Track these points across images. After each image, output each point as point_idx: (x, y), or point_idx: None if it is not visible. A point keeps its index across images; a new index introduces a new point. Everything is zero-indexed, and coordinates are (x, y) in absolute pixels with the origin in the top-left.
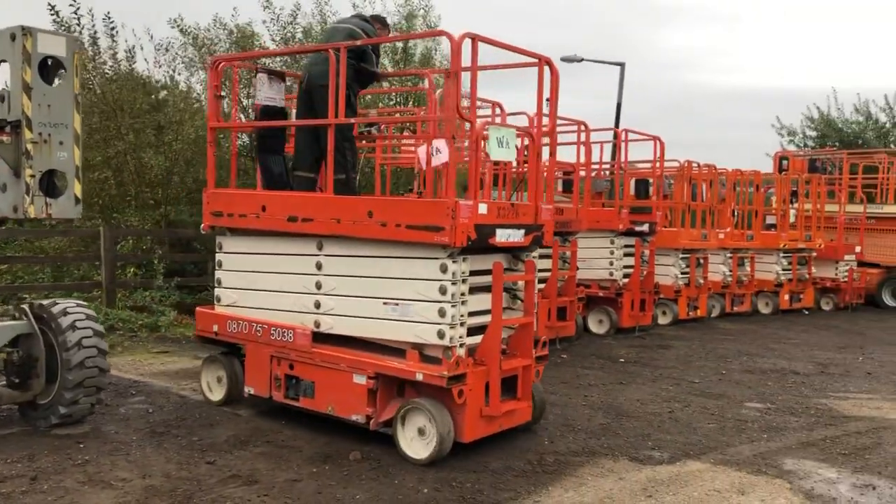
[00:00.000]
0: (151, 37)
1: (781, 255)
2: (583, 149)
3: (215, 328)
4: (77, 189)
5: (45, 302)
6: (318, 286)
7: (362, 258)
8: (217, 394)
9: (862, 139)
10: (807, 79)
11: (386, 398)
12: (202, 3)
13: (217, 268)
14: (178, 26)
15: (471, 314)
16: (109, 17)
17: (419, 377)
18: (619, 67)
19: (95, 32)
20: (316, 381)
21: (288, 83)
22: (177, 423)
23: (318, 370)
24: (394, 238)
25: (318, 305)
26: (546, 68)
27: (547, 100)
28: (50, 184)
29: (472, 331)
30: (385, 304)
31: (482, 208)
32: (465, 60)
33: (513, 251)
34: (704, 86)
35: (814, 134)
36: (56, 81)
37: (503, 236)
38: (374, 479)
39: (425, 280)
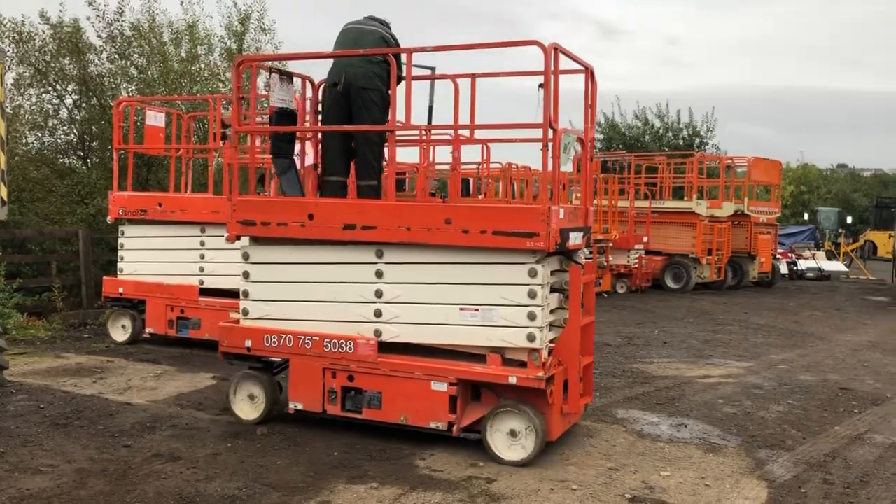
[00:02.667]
0: None
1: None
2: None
3: (248, 343)
4: (3, 192)
5: None
6: (379, 294)
7: (433, 265)
8: (252, 412)
9: (641, 142)
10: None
11: (464, 404)
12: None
13: (243, 279)
14: None
15: None
16: None
17: (512, 381)
18: (429, 70)
19: None
20: (384, 392)
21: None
22: (74, 415)
23: (386, 380)
24: (477, 245)
25: (378, 314)
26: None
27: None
28: None
29: None
30: (462, 310)
31: (561, 213)
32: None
33: (568, 253)
34: (494, 87)
35: (601, 137)
36: None
37: (574, 239)
38: (286, 447)
39: (512, 285)
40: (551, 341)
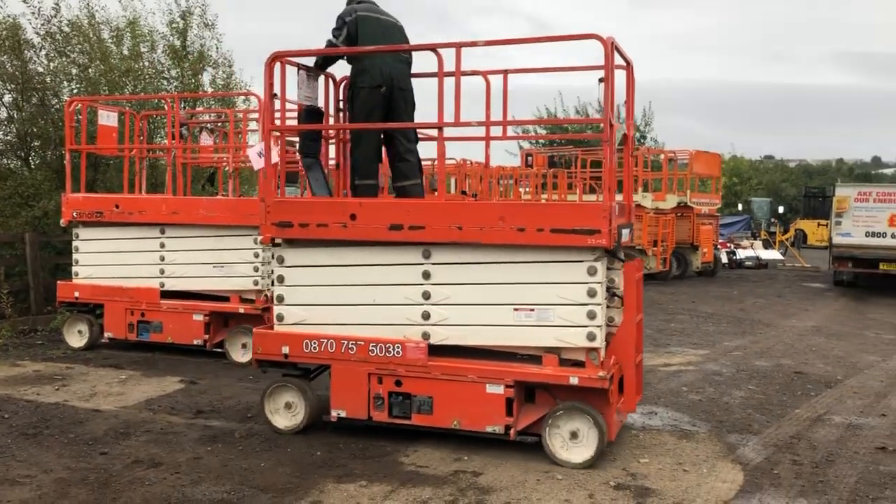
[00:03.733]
0: None
1: None
2: None
3: (285, 350)
4: None
5: None
6: (427, 296)
7: (484, 264)
8: (290, 420)
9: (583, 138)
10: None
11: (520, 406)
12: None
13: (277, 283)
14: None
15: None
16: None
17: (574, 381)
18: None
19: None
20: (435, 396)
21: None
22: (42, 424)
23: (437, 384)
24: (534, 243)
25: (426, 316)
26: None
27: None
28: None
29: None
30: (516, 310)
31: (616, 209)
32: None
33: (612, 251)
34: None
35: (544, 132)
36: None
37: (624, 236)
38: (268, 449)
39: (571, 284)
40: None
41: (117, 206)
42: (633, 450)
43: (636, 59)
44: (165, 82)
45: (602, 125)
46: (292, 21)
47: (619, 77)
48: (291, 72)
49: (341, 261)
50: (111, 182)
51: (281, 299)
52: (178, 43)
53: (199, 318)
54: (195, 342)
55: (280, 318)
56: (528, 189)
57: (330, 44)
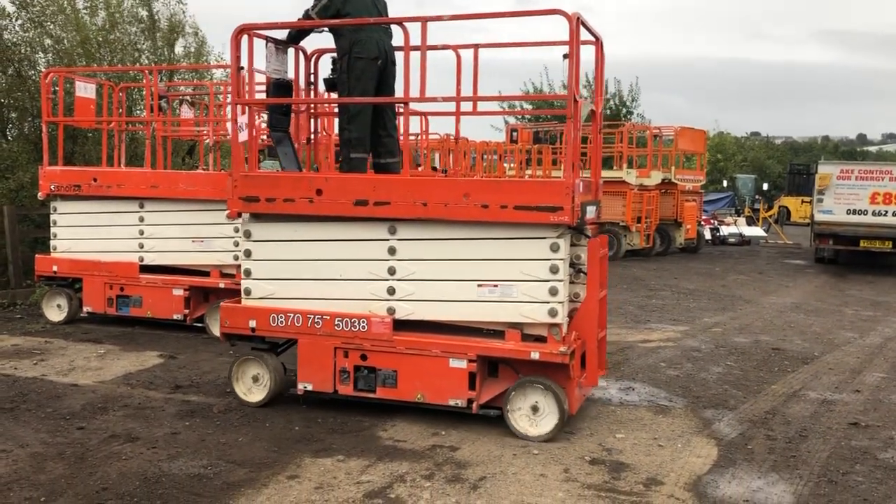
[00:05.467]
0: None
1: None
2: None
3: (252, 324)
4: None
5: None
6: (392, 272)
7: (449, 241)
8: (256, 395)
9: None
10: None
11: (483, 380)
12: None
13: (244, 258)
14: None
15: None
16: None
17: (535, 356)
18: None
19: None
20: (399, 370)
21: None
22: (19, 399)
23: (402, 358)
24: (497, 220)
25: (391, 292)
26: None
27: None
28: None
29: None
30: (480, 286)
31: (580, 186)
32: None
33: (580, 227)
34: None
35: (530, 107)
36: None
37: (590, 213)
38: (246, 424)
39: (534, 260)
40: (567, 315)
41: (95, 180)
42: (609, 425)
43: (620, 34)
44: (138, 54)
45: (566, 101)
46: None
47: (590, 53)
48: (260, 44)
49: (308, 236)
50: (89, 155)
51: (248, 273)
52: (144, 13)
53: (178, 292)
54: (175, 317)
55: (248, 292)
56: (512, 165)
57: (306, 16)
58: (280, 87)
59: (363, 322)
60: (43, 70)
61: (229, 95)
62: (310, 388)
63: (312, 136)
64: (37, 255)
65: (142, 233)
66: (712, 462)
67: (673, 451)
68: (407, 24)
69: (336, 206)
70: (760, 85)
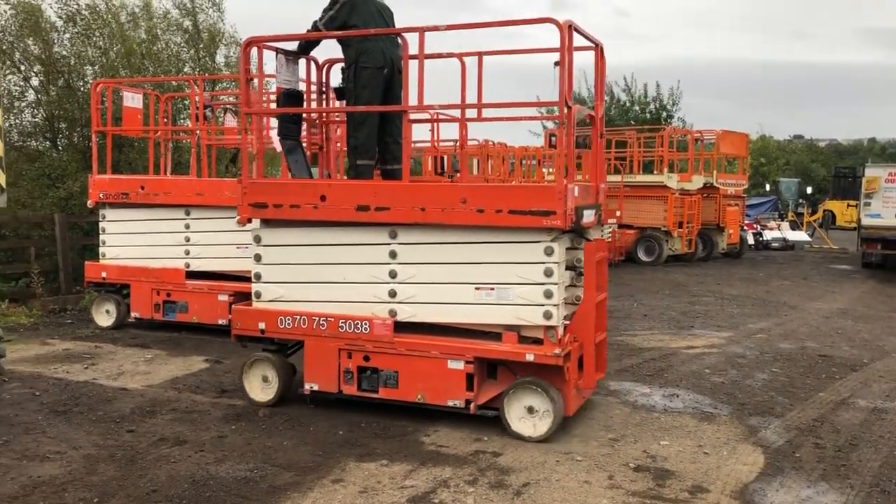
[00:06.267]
0: None
1: None
2: None
3: (262, 326)
4: (2, 179)
5: None
6: (393, 275)
7: (447, 245)
8: (265, 394)
9: (608, 117)
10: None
11: (481, 381)
12: None
13: (255, 262)
14: None
15: None
16: None
17: (530, 358)
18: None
19: None
20: (400, 371)
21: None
22: (71, 402)
23: (403, 359)
24: (492, 224)
25: (393, 294)
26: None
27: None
28: None
29: None
30: (477, 289)
31: (576, 191)
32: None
33: (580, 230)
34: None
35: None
36: None
37: (587, 217)
38: (291, 428)
39: (529, 263)
40: (566, 318)
41: (143, 188)
42: (653, 432)
43: (657, 38)
44: (182, 64)
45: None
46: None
47: (588, 58)
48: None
49: (313, 240)
50: (135, 163)
51: (258, 277)
52: (189, 24)
53: (223, 298)
54: (220, 322)
55: (258, 295)
56: (551, 170)
57: (314, 27)
58: (290, 97)
59: (365, 324)
60: (90, 82)
61: (273, 104)
62: (316, 388)
63: (324, 144)
64: (86, 262)
65: (188, 239)
66: (759, 470)
67: (718, 459)
68: (418, 35)
69: (339, 211)
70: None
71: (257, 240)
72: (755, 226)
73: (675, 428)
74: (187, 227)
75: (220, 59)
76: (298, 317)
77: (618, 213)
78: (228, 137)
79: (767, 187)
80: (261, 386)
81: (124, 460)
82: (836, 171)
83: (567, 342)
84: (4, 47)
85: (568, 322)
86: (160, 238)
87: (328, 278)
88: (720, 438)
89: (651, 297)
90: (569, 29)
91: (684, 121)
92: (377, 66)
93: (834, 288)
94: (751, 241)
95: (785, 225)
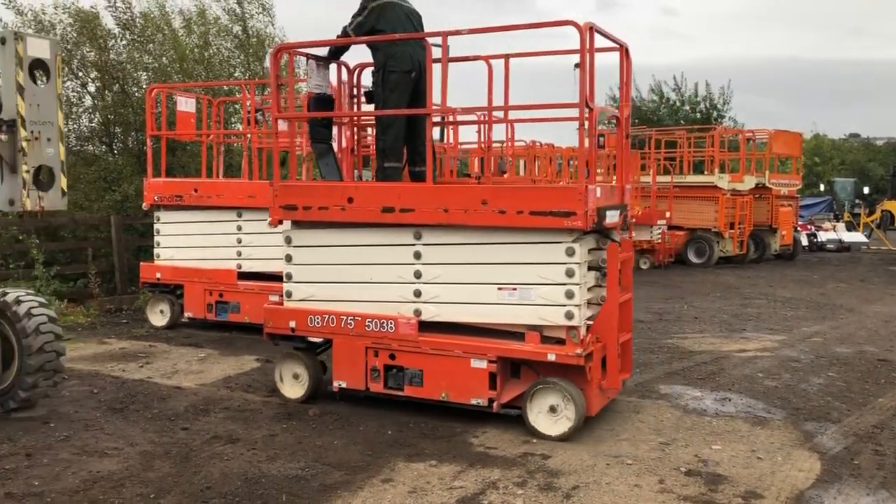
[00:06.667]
0: None
1: None
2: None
3: (292, 324)
4: (63, 182)
5: None
6: (418, 275)
7: (470, 245)
8: (296, 391)
9: (657, 116)
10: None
11: (504, 381)
12: None
13: (286, 262)
14: (13, 7)
15: None
16: None
17: (551, 358)
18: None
19: None
20: (425, 369)
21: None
22: (128, 399)
23: (427, 358)
24: (514, 225)
25: (418, 294)
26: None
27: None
28: (35, 178)
29: None
30: (500, 289)
31: (598, 192)
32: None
33: (604, 231)
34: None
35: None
36: (39, 82)
37: (610, 217)
38: (341, 428)
39: (550, 264)
40: (589, 318)
41: (196, 190)
42: (705, 436)
43: (699, 34)
44: (232, 69)
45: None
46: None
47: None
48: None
49: (341, 241)
50: (187, 166)
51: (290, 277)
52: (239, 29)
53: (274, 298)
54: None
55: (289, 294)
56: (600, 170)
57: (344, 33)
58: (320, 102)
59: (391, 323)
60: (147, 86)
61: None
62: (344, 385)
63: (355, 147)
64: (141, 263)
65: (239, 241)
66: (815, 476)
67: (773, 464)
68: (443, 39)
69: (365, 213)
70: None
71: (288, 241)
72: (809, 227)
73: (727, 432)
74: (239, 228)
75: (269, 63)
76: (327, 316)
77: (667, 215)
78: (280, 140)
79: (822, 187)
80: (292, 382)
81: (179, 457)
82: (895, 170)
83: (589, 342)
84: (63, 55)
85: (592, 322)
86: (213, 239)
87: (355, 278)
88: (774, 443)
89: (702, 299)
90: (589, 31)
91: (735, 120)
92: (405, 70)
93: (893, 290)
94: (805, 242)
95: (840, 226)
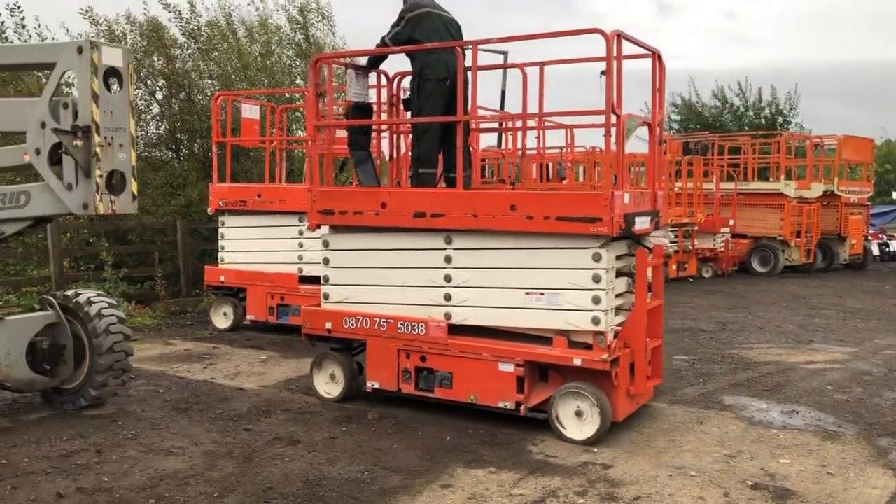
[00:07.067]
0: (68, 30)
1: (669, 229)
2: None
3: (328, 325)
4: (134, 187)
5: (68, 293)
6: (448, 279)
7: (499, 250)
8: (332, 390)
9: (720, 122)
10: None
11: (531, 384)
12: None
13: (323, 265)
14: (89, 17)
15: None
16: (18, 7)
17: (577, 363)
18: (502, 56)
19: (3, 24)
20: (454, 372)
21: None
22: (192, 400)
23: (456, 361)
24: (541, 230)
25: (448, 298)
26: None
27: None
28: (108, 182)
29: None
30: (528, 294)
31: (626, 198)
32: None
33: (635, 237)
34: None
35: (678, 118)
36: (112, 89)
37: (640, 224)
38: (399, 432)
39: (577, 269)
40: (619, 324)
41: (259, 195)
42: (772, 449)
43: (763, 37)
44: (294, 77)
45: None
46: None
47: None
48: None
49: (376, 245)
50: (250, 172)
51: (327, 279)
52: (301, 37)
53: None
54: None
55: (326, 296)
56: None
57: (382, 42)
58: (359, 110)
59: (422, 326)
60: (213, 94)
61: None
62: (377, 386)
63: (395, 154)
64: (206, 266)
65: (301, 245)
66: (890, 494)
67: (844, 481)
68: (473, 48)
69: (398, 217)
70: None
71: (325, 244)
72: (881, 235)
73: (795, 446)
74: (300, 233)
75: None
76: (361, 318)
77: (731, 222)
78: (339, 147)
79: (894, 195)
80: (327, 382)
81: (241, 457)
82: None
83: (615, 348)
84: (134, 63)
85: (620, 328)
86: (275, 244)
87: (388, 281)
88: (846, 459)
89: (767, 308)
90: (617, 39)
91: (802, 126)
92: (440, 78)
93: None
94: (876, 251)
95: None
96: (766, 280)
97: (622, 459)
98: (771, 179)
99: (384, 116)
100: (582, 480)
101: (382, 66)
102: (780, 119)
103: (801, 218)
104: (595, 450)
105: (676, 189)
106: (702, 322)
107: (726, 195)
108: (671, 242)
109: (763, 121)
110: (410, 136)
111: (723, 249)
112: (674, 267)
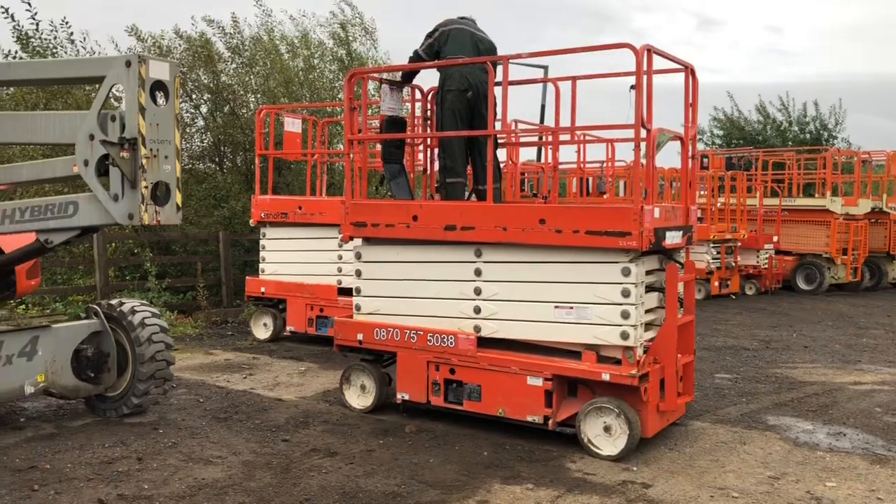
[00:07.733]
0: (116, 45)
1: (711, 245)
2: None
3: (360, 337)
4: (178, 198)
5: (112, 302)
6: (478, 292)
7: (528, 264)
8: (362, 401)
9: (763, 137)
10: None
11: (560, 398)
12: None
13: (356, 277)
14: (134, 34)
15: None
16: (67, 23)
17: (605, 377)
18: (542, 69)
19: (55, 38)
20: (483, 385)
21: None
22: (231, 410)
23: (485, 374)
24: (570, 244)
25: (478, 311)
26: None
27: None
28: (153, 194)
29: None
30: (557, 307)
31: (656, 212)
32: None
33: (667, 252)
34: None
35: (721, 133)
36: (159, 102)
37: (671, 238)
38: (436, 446)
39: (606, 283)
40: (649, 340)
41: (300, 208)
42: (818, 472)
43: (806, 51)
44: (336, 91)
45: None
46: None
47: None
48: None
49: (407, 257)
50: (291, 185)
51: (359, 291)
52: (343, 52)
53: None
54: None
55: (358, 308)
56: (703, 192)
57: (416, 56)
58: (393, 124)
59: (451, 338)
60: (256, 107)
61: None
62: (407, 397)
63: (429, 167)
64: (247, 277)
65: (340, 258)
66: None
67: None
68: (504, 63)
69: (429, 230)
70: None
71: (358, 256)
72: None
73: (842, 469)
74: (340, 245)
75: (370, 85)
76: (392, 329)
77: (775, 239)
78: (379, 161)
79: None
80: (358, 393)
81: (279, 468)
82: None
83: (645, 363)
84: (180, 77)
85: (651, 343)
86: (315, 256)
87: (419, 293)
88: None
89: (812, 327)
90: (647, 53)
91: (849, 141)
92: (460, 90)
93: None
94: None
95: None
96: (811, 298)
97: (662, 479)
98: (816, 196)
99: (420, 130)
100: (621, 499)
101: (417, 81)
102: (826, 134)
103: (847, 235)
104: (634, 468)
105: (719, 204)
106: (744, 340)
107: (770, 211)
108: (713, 259)
109: (808, 136)
110: (437, 148)
111: (766, 266)
112: (716, 283)
